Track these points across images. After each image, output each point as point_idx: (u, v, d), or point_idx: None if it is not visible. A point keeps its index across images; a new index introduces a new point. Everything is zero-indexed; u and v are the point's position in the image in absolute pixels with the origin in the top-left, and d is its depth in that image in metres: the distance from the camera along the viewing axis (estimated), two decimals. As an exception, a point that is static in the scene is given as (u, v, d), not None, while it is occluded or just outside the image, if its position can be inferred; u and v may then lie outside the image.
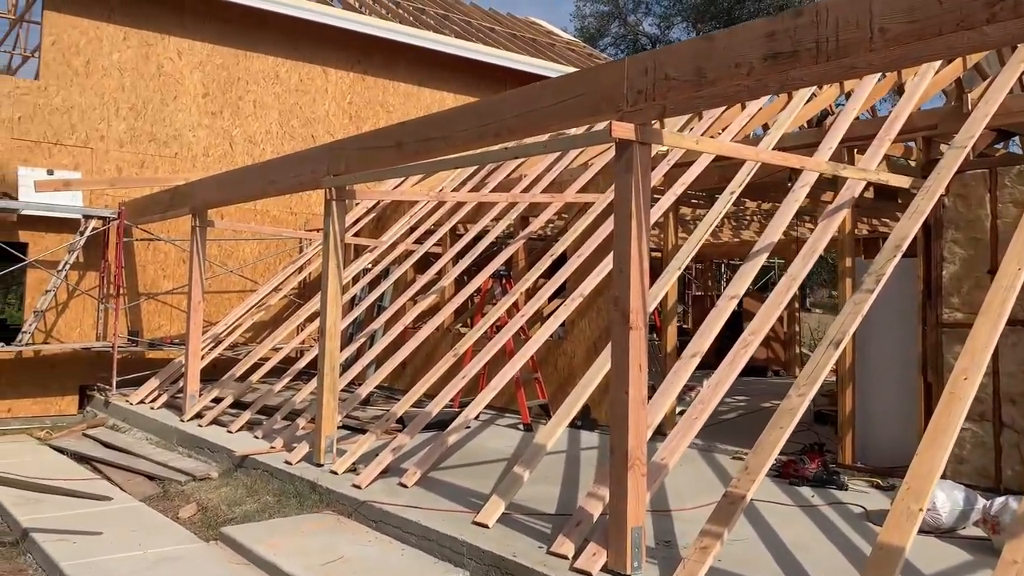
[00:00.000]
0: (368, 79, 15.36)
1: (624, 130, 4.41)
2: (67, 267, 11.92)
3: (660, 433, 6.84)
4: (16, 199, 11.58)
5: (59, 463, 8.96)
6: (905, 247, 5.66)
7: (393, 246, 11.32)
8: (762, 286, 20.52)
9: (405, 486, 6.41)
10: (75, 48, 12.45)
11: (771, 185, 8.32)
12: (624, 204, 4.48)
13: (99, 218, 12.05)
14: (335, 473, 6.87)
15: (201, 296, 10.01)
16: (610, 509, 4.50)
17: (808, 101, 8.26)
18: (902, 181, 6.55)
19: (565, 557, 4.63)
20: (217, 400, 9.92)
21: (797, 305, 16.28)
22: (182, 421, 9.64)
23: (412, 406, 7.81)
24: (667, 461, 4.93)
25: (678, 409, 8.79)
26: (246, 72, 14.03)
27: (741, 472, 4.59)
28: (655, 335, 11.92)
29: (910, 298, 6.83)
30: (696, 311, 19.01)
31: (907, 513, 3.87)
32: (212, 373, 11.42)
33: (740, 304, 8.67)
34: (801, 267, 5.84)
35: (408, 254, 11.30)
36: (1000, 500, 4.99)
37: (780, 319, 16.58)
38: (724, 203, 6.96)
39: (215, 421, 9.40)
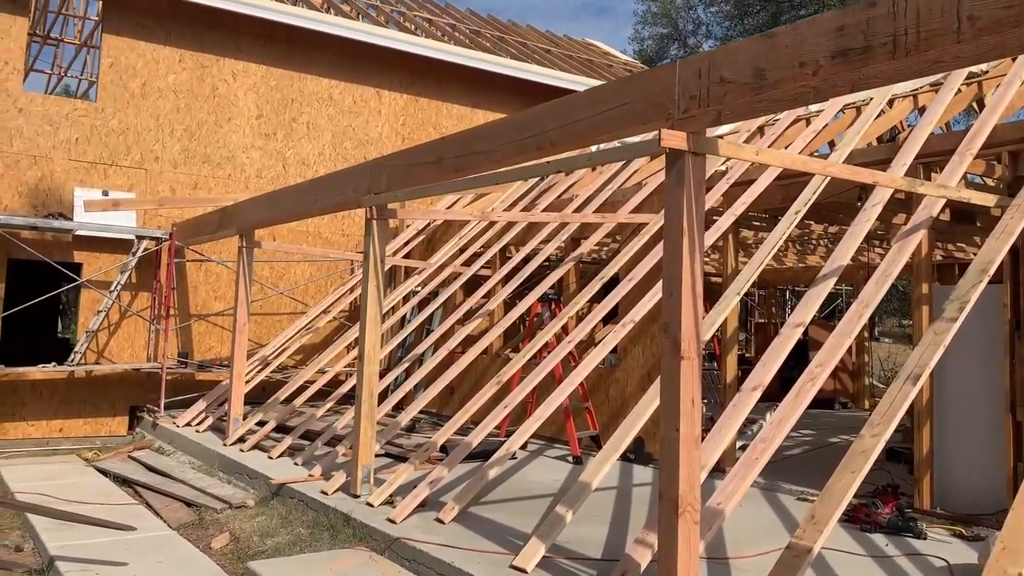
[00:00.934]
0: (421, 101, 15.22)
1: (675, 139, 4.01)
2: (119, 287, 11.95)
3: (719, 470, 6.34)
4: (71, 219, 11.68)
5: (101, 486, 8.82)
6: (992, 272, 5.11)
7: (442, 268, 11.04)
8: (828, 314, 19.68)
9: (442, 522, 6.04)
10: (132, 70, 12.58)
11: (839, 206, 7.79)
12: (675, 221, 4.06)
13: (151, 239, 12.07)
14: (371, 505, 6.54)
15: (247, 317, 9.86)
16: (659, 560, 4.04)
17: (877, 117, 7.72)
18: (986, 199, 5.99)
19: (610, 610, 4.20)
20: (261, 424, 9.73)
21: (866, 334, 15.48)
22: (224, 445, 9.46)
23: (456, 434, 7.46)
24: (724, 506, 4.46)
25: (738, 444, 8.25)
26: (300, 94, 14.01)
27: (807, 521, 4.10)
28: (715, 365, 11.35)
29: (995, 328, 6.22)
30: (759, 339, 18.30)
31: None
32: (260, 395, 11.27)
33: (805, 333, 8.12)
34: (874, 293, 5.32)
35: (456, 276, 11.00)
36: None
37: (848, 349, 15.79)
38: (788, 223, 6.47)
39: (257, 446, 9.20)
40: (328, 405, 9.53)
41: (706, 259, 12.37)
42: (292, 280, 13.79)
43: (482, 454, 7.60)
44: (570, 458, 8.91)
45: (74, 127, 12.14)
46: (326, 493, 6.96)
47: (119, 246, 12.15)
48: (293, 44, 13.89)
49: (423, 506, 6.41)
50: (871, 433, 4.31)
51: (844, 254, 5.74)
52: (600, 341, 7.04)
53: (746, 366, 11.10)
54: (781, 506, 6.94)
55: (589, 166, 5.09)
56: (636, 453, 8.87)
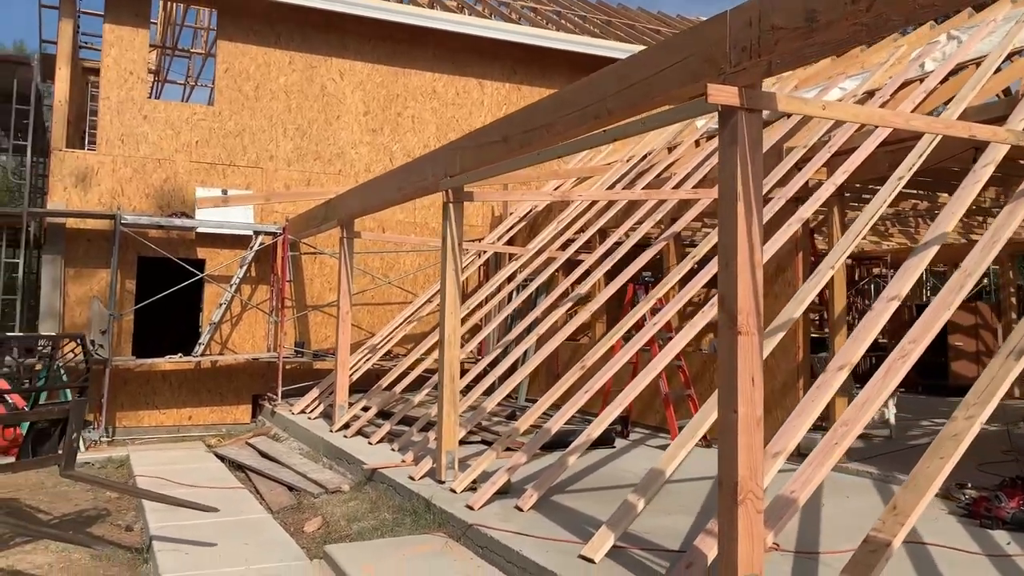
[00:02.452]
0: (524, 89, 15.10)
1: (725, 94, 3.69)
2: (238, 281, 12.50)
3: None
4: (192, 217, 12.31)
5: (215, 471, 9.23)
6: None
7: (540, 252, 10.89)
8: (974, 296, 18.14)
9: (521, 509, 5.90)
10: (245, 74, 13.11)
11: (952, 174, 7.08)
12: (729, 184, 3.74)
13: (266, 233, 12.56)
14: (454, 492, 6.49)
15: (349, 307, 10.05)
16: (719, 552, 3.75)
17: (996, 72, 6.95)
18: None
19: (669, 603, 3.94)
20: (365, 410, 9.91)
21: (1014, 315, 14.16)
22: (330, 431, 9.69)
23: (544, 422, 7.31)
24: (798, 495, 4.10)
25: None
26: (404, 89, 14.20)
27: (888, 512, 3.69)
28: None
29: None
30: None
31: None
32: (368, 383, 11.50)
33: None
34: (979, 260, 4.75)
35: (551, 260, 10.83)
36: None
37: (992, 331, 14.52)
38: (890, 190, 5.91)
39: (360, 432, 9.37)
40: (425, 391, 9.58)
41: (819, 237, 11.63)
42: (401, 270, 14.02)
43: (564, 443, 7.44)
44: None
45: (194, 131, 12.78)
46: (413, 479, 6.97)
47: (238, 242, 12.71)
48: (397, 41, 14.10)
49: (505, 493, 6.30)
50: (965, 415, 3.83)
51: (948, 220, 5.16)
52: (689, 324, 6.67)
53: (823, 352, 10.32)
54: (888, 495, 6.37)
55: (644, 131, 4.78)
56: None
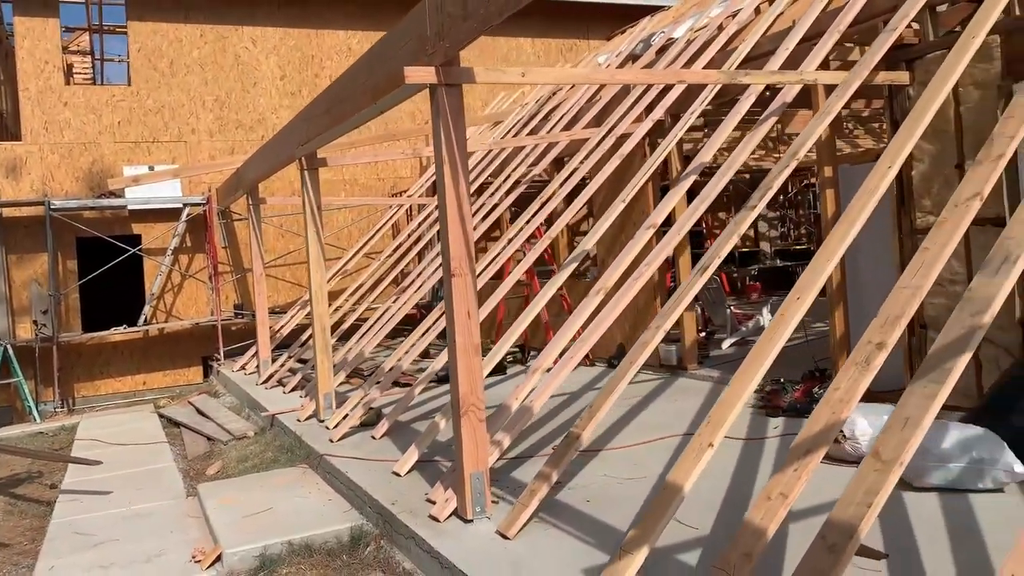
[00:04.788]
0: (440, 36, 15.47)
1: (420, 75, 4.31)
2: (171, 251, 13.21)
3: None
4: (121, 196, 12.96)
5: (152, 429, 10.07)
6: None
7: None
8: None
9: (375, 438, 6.70)
10: (159, 52, 13.59)
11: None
12: (438, 152, 4.39)
13: (193, 205, 13.21)
14: (328, 428, 7.28)
15: (262, 270, 10.77)
16: (455, 454, 4.52)
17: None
18: (833, 77, 5.69)
19: (433, 502, 4.72)
20: (302, 363, 10.68)
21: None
22: (255, 385, 10.50)
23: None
24: (533, 404, 4.85)
25: (729, 342, 8.44)
26: (319, 49, 14.65)
27: (585, 416, 4.45)
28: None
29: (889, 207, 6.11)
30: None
31: (698, 450, 3.60)
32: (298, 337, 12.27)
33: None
34: (713, 185, 5.38)
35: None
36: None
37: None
38: (682, 125, 6.52)
39: (279, 382, 10.17)
40: (333, 341, 10.34)
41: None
42: (335, 227, 14.67)
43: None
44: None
45: (115, 112, 13.33)
46: (299, 421, 7.78)
47: (171, 215, 13.38)
48: (307, 3, 14.49)
49: (372, 425, 7.07)
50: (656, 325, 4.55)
51: (706, 153, 5.79)
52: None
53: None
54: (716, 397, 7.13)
55: (379, 112, 5.36)
56: (618, 357, 9.19)
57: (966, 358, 2.99)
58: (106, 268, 12.59)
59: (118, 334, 12.93)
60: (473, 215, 10.48)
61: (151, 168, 13.36)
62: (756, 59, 6.68)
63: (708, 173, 7.90)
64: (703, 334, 9.66)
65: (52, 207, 12.24)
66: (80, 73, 17.64)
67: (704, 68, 7.24)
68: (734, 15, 8.02)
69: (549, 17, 16.10)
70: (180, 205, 13.26)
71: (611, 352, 9.22)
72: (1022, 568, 2.35)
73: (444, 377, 8.35)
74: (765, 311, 10.11)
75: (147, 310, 13.18)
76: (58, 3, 13.16)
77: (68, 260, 12.88)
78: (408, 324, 10.12)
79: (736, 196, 17.38)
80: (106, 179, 13.09)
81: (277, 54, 14.38)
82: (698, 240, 14.41)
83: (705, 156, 5.79)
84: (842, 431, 4.80)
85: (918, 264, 3.57)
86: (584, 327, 5.32)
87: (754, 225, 18.96)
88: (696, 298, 10.48)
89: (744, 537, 3.10)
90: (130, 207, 12.99)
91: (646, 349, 4.55)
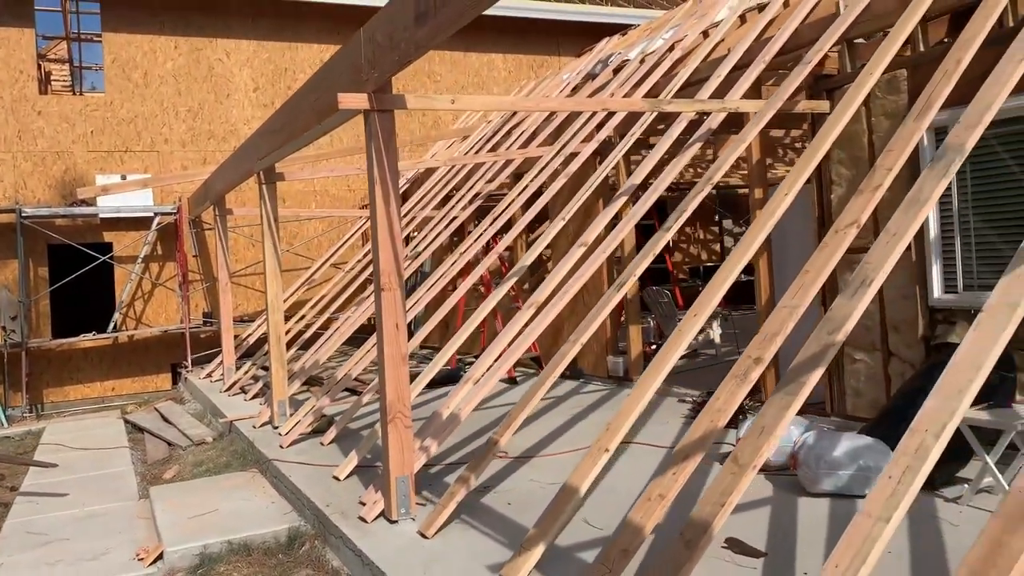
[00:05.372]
0: (412, 51, 15.77)
1: (354, 100, 4.60)
2: (141, 259, 13.41)
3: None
4: (93, 204, 13.16)
5: (115, 434, 10.26)
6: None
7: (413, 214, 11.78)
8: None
9: (323, 444, 6.95)
10: (132, 63, 13.82)
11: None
12: (370, 173, 4.67)
13: (164, 214, 13.43)
14: (280, 435, 7.52)
15: (228, 278, 11.01)
16: (383, 459, 4.78)
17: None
18: (753, 105, 6.02)
19: (364, 504, 4.98)
20: (265, 370, 10.90)
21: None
22: (219, 393, 10.72)
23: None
24: (461, 412, 5.12)
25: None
26: (292, 62, 14.92)
27: (503, 424, 4.73)
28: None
29: (811, 223, 6.45)
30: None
31: (595, 455, 3.89)
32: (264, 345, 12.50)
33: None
34: (641, 204, 5.69)
35: (426, 221, 11.72)
36: (804, 436, 4.78)
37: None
38: (618, 153, 6.83)
39: (242, 389, 10.40)
40: (294, 351, 10.59)
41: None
42: (305, 237, 14.92)
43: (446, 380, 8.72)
44: (505, 380, 9.63)
45: (88, 121, 13.54)
46: (255, 427, 8.02)
47: (142, 224, 13.59)
48: (282, 16, 14.75)
49: (322, 432, 7.33)
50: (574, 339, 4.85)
51: (638, 175, 6.11)
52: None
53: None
54: (658, 406, 7.41)
55: (323, 132, 5.66)
56: (572, 370, 9.50)
57: (820, 372, 3.29)
58: (77, 275, 12.77)
59: (87, 340, 13.11)
60: (438, 224, 10.82)
61: (123, 177, 13.57)
62: (694, 84, 7.02)
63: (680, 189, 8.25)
64: (653, 347, 9.96)
65: (23, 215, 12.42)
66: (58, 80, 17.83)
67: (648, 92, 7.57)
68: (680, 40, 8.36)
69: (521, 33, 16.47)
70: (151, 214, 13.47)
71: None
72: (846, 560, 2.64)
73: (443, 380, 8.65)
74: (715, 324, 10.43)
75: (117, 317, 13.37)
76: (33, 13, 13.37)
77: (39, 267, 13.06)
78: (367, 332, 10.39)
79: (703, 212, 17.76)
80: (79, 187, 13.29)
81: (251, 66, 14.64)
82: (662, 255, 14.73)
83: (636, 179, 6.11)
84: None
85: (798, 286, 3.88)
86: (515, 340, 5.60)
87: (720, 241, 19.37)
88: (650, 312, 10.83)
89: (624, 535, 3.38)
90: (101, 215, 13.19)
91: (564, 360, 4.84)
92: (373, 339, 7.91)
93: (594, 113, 8.09)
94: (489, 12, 14.41)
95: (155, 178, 13.29)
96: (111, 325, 13.28)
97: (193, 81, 14.22)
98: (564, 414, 7.48)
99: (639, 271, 5.08)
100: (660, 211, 12.32)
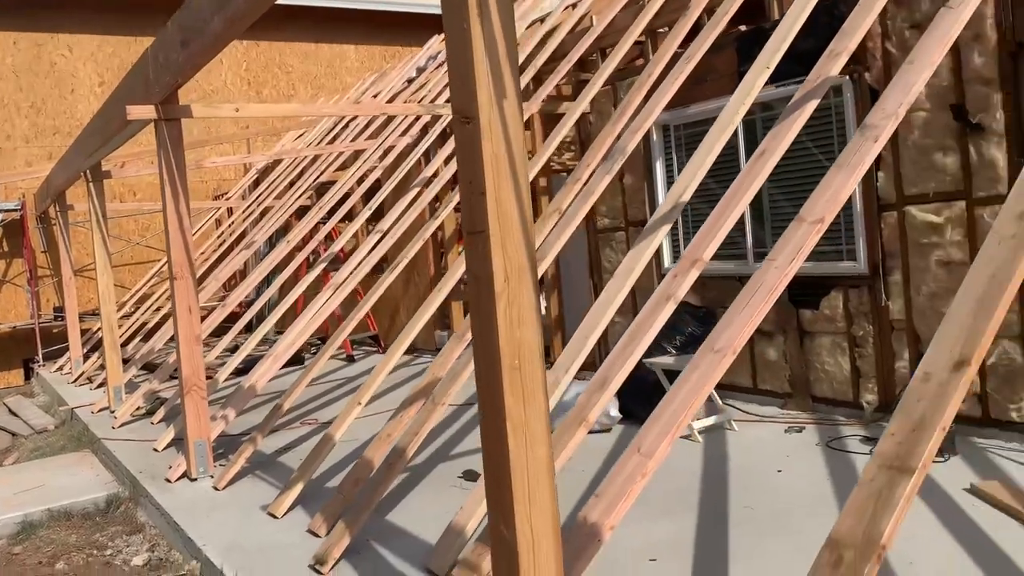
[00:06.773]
0: (262, 44, 16.10)
1: (142, 111, 5.21)
2: (-15, 257, 13.37)
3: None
4: (-68, 203, 13.04)
5: (-40, 430, 10.42)
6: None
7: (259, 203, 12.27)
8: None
9: (153, 424, 7.50)
10: (-32, 59, 13.67)
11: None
12: (161, 175, 5.30)
13: (7, 211, 13.41)
14: (115, 417, 8.01)
15: (72, 273, 11.25)
16: (182, 425, 5.45)
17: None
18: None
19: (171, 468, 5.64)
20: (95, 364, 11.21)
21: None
22: (67, 384, 10.99)
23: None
24: (257, 384, 5.84)
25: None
26: (137, 56, 14.96)
27: (286, 393, 5.47)
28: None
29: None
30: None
31: (350, 408, 4.68)
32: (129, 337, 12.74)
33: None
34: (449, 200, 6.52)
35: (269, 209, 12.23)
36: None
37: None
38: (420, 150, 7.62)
39: (89, 379, 10.71)
40: (137, 341, 10.98)
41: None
42: (157, 229, 15.10)
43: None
44: (344, 358, 10.35)
45: (-77, 118, 13.35)
46: (93, 413, 8.46)
47: (-15, 221, 13.52)
48: (127, 10, 14.79)
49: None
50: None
51: (431, 168, 6.93)
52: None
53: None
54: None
55: (112, 149, 6.25)
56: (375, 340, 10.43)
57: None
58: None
59: (-68, 340, 13.01)
60: (277, 212, 11.39)
61: (-37, 174, 13.45)
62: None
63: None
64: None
65: None
66: None
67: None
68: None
69: (372, 24, 16.99)
70: (-7, 211, 13.43)
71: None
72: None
73: (243, 370, 9.17)
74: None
75: (-39, 315, 13.31)
76: None
77: None
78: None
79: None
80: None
81: (95, 61, 14.67)
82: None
83: (429, 171, 6.92)
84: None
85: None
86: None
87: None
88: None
89: (356, 468, 4.19)
90: (-60, 214, 13.08)
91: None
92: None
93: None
94: (341, 4, 14.78)
95: (18, 172, 13.30)
96: (-44, 323, 13.21)
97: (35, 76, 14.17)
98: (385, 385, 8.25)
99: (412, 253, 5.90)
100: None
